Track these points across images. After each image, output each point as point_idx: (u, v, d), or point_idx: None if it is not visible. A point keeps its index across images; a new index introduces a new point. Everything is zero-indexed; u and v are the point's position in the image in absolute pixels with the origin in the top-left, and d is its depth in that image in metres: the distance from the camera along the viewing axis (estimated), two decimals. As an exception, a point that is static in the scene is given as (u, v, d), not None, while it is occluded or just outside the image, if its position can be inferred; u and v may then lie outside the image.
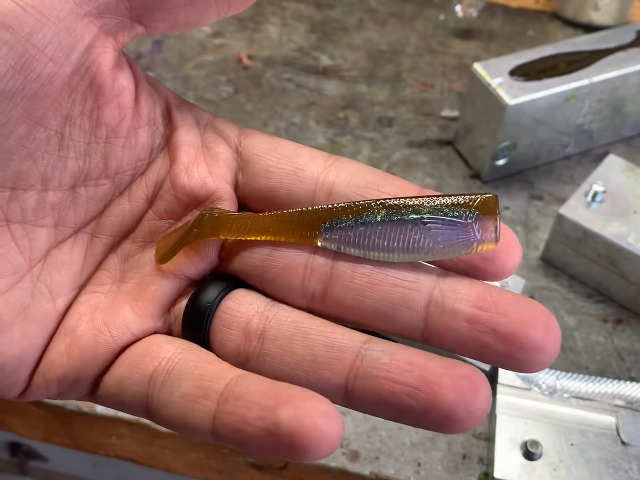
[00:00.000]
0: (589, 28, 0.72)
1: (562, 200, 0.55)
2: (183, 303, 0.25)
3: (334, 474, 0.43)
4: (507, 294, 0.22)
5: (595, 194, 0.50)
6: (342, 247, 0.23)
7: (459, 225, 0.22)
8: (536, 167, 0.61)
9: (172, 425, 0.22)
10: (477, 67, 0.56)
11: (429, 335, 0.22)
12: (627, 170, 0.53)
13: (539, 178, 0.60)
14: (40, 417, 0.47)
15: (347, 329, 0.23)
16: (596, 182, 0.51)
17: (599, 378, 0.44)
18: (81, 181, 0.24)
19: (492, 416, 0.43)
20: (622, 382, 0.43)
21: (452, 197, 0.22)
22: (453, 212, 0.22)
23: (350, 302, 0.23)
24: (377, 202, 0.23)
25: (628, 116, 0.61)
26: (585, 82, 0.56)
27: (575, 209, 0.50)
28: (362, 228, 0.23)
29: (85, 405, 0.45)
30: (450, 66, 0.70)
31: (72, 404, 0.45)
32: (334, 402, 0.21)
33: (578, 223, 0.50)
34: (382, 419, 0.44)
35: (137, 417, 0.45)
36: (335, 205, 0.23)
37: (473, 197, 0.22)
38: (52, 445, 0.50)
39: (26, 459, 0.57)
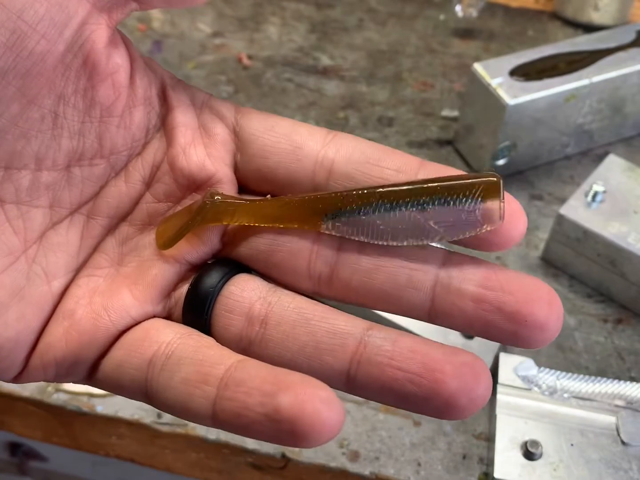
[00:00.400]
0: (589, 28, 0.72)
1: (562, 200, 0.55)
2: (183, 288, 0.24)
3: (334, 474, 0.43)
4: (512, 273, 0.22)
5: (595, 194, 0.50)
6: (347, 234, 0.23)
7: (463, 212, 0.22)
8: (536, 167, 0.61)
9: (171, 410, 0.22)
10: (477, 67, 0.56)
11: (435, 315, 0.23)
12: (627, 170, 0.53)
13: (539, 178, 0.60)
14: (40, 417, 0.47)
15: (350, 316, 0.23)
16: (596, 182, 0.51)
17: (599, 378, 0.44)
18: (76, 161, 0.24)
19: (492, 416, 0.43)
20: (622, 382, 0.43)
21: (454, 182, 0.22)
22: (456, 200, 0.22)
23: (356, 284, 0.23)
24: (379, 192, 0.23)
25: (628, 116, 0.61)
26: (585, 82, 0.56)
27: (575, 209, 0.50)
28: (364, 218, 0.23)
29: (85, 405, 0.45)
30: (450, 66, 0.70)
31: (72, 404, 0.45)
32: (336, 388, 0.21)
33: (578, 223, 0.50)
34: (383, 419, 0.44)
35: (136, 417, 0.45)
36: (336, 194, 0.23)
37: (476, 181, 0.22)
38: (52, 445, 0.50)
39: (26, 459, 0.57)
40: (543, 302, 0.21)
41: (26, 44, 0.20)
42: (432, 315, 0.23)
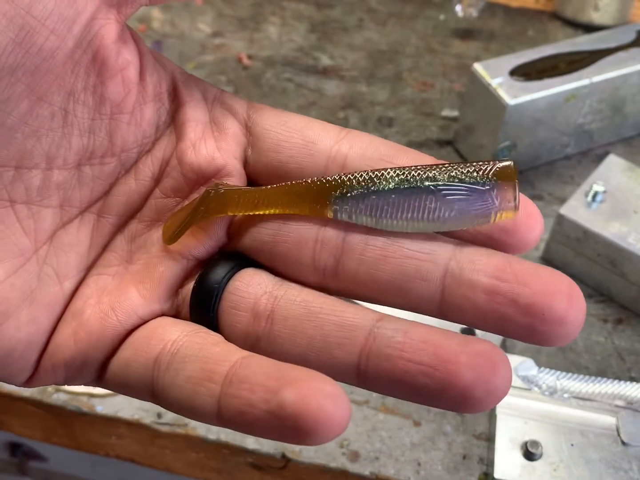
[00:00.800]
0: (589, 28, 0.72)
1: (562, 200, 0.55)
2: (191, 284, 0.24)
3: (334, 474, 0.43)
4: (528, 264, 0.21)
5: (595, 194, 0.50)
6: (354, 218, 0.22)
7: (477, 192, 0.21)
8: (536, 167, 0.61)
9: (177, 409, 0.22)
10: (477, 67, 0.56)
11: (446, 309, 0.21)
12: (627, 170, 0.53)
13: (539, 178, 0.60)
14: (40, 417, 0.47)
15: (359, 307, 0.22)
16: (596, 182, 0.51)
17: (599, 378, 0.44)
18: (86, 159, 0.23)
19: (492, 416, 0.43)
20: (622, 382, 0.43)
21: (469, 165, 0.22)
22: (470, 180, 0.21)
23: (363, 276, 0.22)
24: (390, 170, 0.22)
25: (628, 116, 0.61)
26: (585, 82, 0.56)
27: (576, 209, 0.50)
28: (374, 197, 0.22)
29: (85, 405, 0.45)
30: (450, 66, 0.70)
31: (72, 404, 0.45)
32: (347, 383, 0.21)
33: (578, 223, 0.50)
34: (383, 419, 0.44)
35: (137, 417, 0.45)
36: (345, 174, 0.23)
37: (490, 164, 0.21)
38: (52, 445, 0.50)
39: (26, 459, 0.57)
40: (562, 294, 0.20)
41: (35, 39, 0.20)
42: (442, 309, 0.22)
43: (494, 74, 0.55)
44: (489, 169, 0.21)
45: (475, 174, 0.21)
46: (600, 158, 0.59)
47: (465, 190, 0.21)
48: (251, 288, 0.23)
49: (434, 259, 0.22)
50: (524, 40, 0.73)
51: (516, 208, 0.21)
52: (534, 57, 0.57)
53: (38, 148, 0.22)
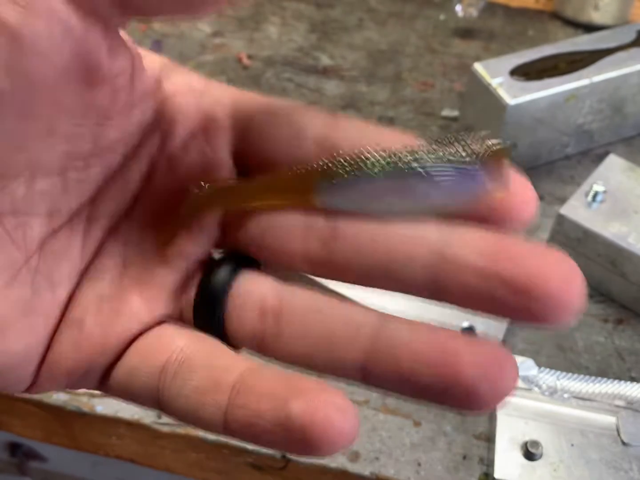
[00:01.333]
0: (590, 28, 0.72)
1: (562, 200, 0.55)
2: (192, 288, 0.24)
3: (334, 474, 0.43)
4: (522, 242, 0.20)
5: (595, 194, 0.50)
6: (341, 204, 0.22)
7: (466, 174, 0.21)
8: (536, 167, 0.61)
9: (183, 419, 0.22)
10: (478, 67, 0.56)
11: (437, 290, 0.21)
12: (628, 170, 0.53)
13: (539, 178, 0.60)
14: (40, 418, 0.47)
15: (365, 307, 0.22)
16: (596, 182, 0.51)
17: (599, 378, 0.43)
18: (71, 164, 0.23)
19: (492, 416, 0.43)
20: (622, 382, 0.43)
21: (457, 145, 0.21)
22: (459, 161, 0.21)
23: (354, 261, 0.22)
24: (376, 153, 0.21)
25: (628, 116, 0.61)
26: (585, 82, 0.56)
27: (576, 209, 0.50)
28: (360, 182, 0.21)
29: (85, 406, 0.45)
30: (450, 66, 0.70)
31: (72, 404, 0.45)
32: (352, 380, 0.21)
33: (578, 223, 0.50)
34: (383, 419, 0.44)
35: (137, 417, 0.45)
36: (329, 160, 0.22)
37: (480, 144, 0.21)
38: (51, 445, 0.50)
39: (26, 459, 0.57)
40: (558, 272, 0.19)
41: (24, 63, 0.19)
42: (433, 290, 0.21)
43: (494, 73, 0.55)
44: (477, 148, 0.21)
45: (463, 154, 0.21)
46: (600, 158, 0.59)
47: (455, 173, 0.21)
48: (257, 287, 0.23)
49: (425, 241, 0.21)
50: (524, 40, 0.73)
51: (506, 186, 0.21)
52: (534, 57, 0.57)
53: (20, 157, 0.21)
